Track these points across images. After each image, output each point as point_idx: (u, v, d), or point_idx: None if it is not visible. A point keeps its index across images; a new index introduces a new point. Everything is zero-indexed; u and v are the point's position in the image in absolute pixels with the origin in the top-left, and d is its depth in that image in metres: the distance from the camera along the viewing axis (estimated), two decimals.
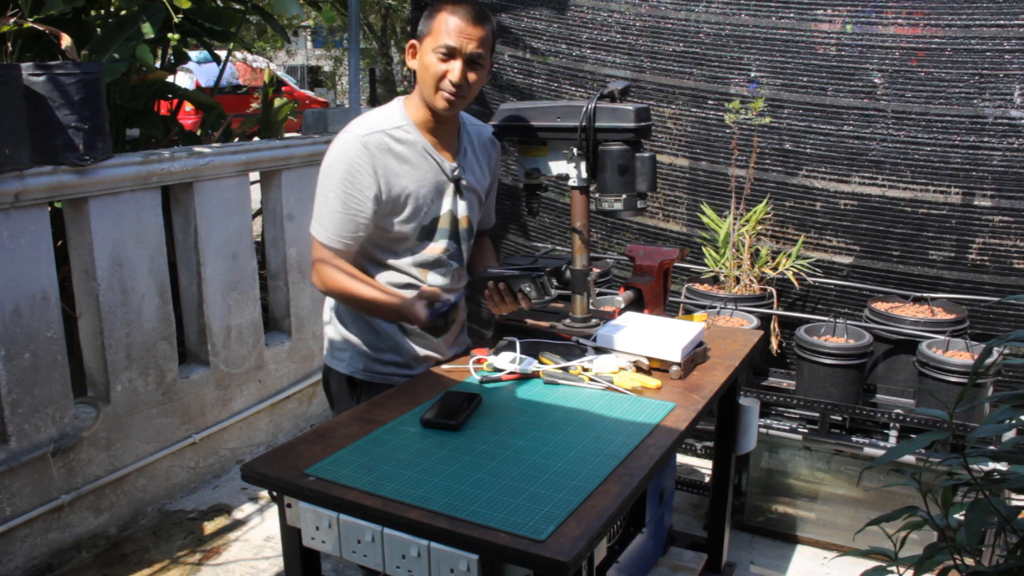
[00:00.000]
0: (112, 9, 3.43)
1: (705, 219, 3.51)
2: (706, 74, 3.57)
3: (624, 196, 1.90)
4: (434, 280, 1.99)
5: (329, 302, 2.08)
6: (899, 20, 3.23)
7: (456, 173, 1.96)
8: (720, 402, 2.34)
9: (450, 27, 1.79)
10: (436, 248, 1.97)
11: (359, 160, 1.82)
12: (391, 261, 1.94)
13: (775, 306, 3.29)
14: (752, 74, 3.49)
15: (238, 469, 3.33)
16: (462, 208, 1.99)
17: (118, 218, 2.85)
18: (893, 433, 2.83)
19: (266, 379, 3.55)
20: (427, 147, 1.91)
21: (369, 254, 1.95)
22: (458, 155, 1.99)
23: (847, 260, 3.45)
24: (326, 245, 1.87)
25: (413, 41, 1.90)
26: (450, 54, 1.80)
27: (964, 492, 1.10)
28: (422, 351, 2.03)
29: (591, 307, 2.08)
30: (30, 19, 2.89)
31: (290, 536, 1.56)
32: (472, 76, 1.84)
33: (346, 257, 1.89)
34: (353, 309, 1.98)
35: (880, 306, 3.19)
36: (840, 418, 2.91)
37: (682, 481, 3.11)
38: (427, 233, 1.95)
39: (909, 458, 2.54)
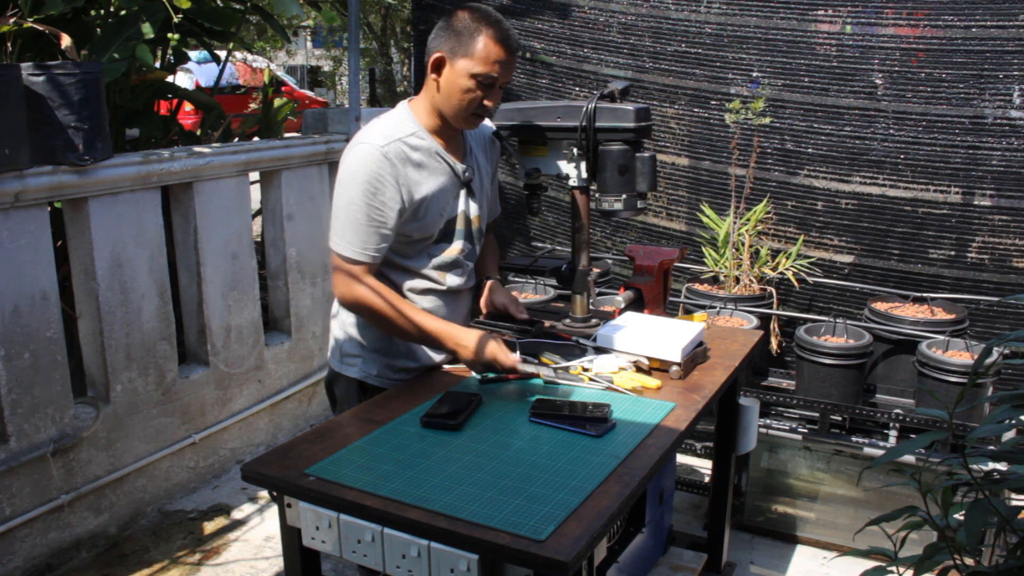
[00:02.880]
0: (112, 9, 3.43)
1: (705, 219, 3.51)
2: (708, 74, 3.57)
3: (624, 196, 1.90)
4: (452, 281, 1.98)
5: (336, 307, 2.06)
6: (899, 21, 3.23)
7: (467, 175, 1.96)
8: (720, 402, 2.33)
9: (497, 59, 1.78)
10: (453, 250, 1.97)
11: (381, 171, 1.80)
12: (410, 264, 1.93)
13: (775, 306, 3.29)
14: (754, 74, 3.49)
15: (238, 469, 3.33)
16: (474, 208, 2.00)
17: (118, 218, 2.85)
18: (893, 433, 2.83)
19: (266, 379, 3.55)
20: (440, 151, 1.91)
21: (388, 259, 1.92)
22: (466, 155, 1.99)
23: (847, 259, 3.45)
24: (352, 259, 1.82)
25: (441, 53, 1.80)
26: (491, 84, 1.80)
27: (964, 492, 1.10)
28: (437, 357, 2.02)
29: (591, 307, 2.08)
30: (30, 19, 2.89)
31: (290, 536, 1.56)
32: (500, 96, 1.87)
33: (373, 270, 1.85)
34: (382, 330, 1.92)
35: (880, 306, 3.19)
36: (840, 418, 2.91)
37: (682, 481, 3.11)
38: (444, 235, 1.95)
39: (909, 458, 2.54)
